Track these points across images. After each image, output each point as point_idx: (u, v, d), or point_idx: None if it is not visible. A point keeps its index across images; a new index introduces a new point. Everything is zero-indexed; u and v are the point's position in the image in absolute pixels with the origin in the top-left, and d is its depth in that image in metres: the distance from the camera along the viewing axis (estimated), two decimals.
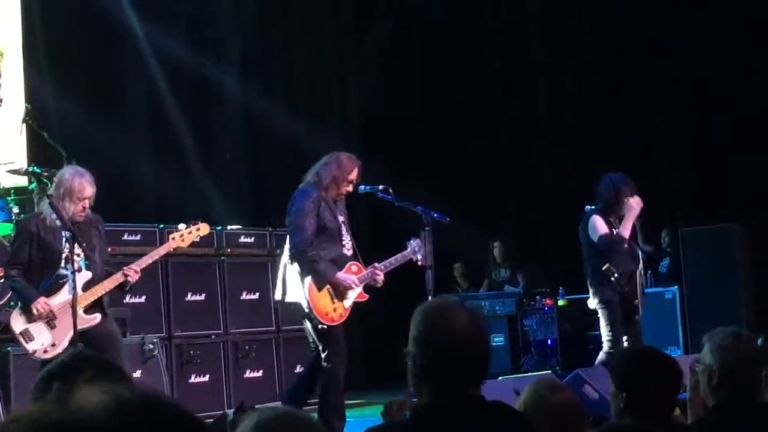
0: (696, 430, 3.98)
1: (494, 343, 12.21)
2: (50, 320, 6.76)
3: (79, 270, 6.80)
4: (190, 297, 9.94)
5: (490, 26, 15.10)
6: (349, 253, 7.59)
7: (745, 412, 3.88)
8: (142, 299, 9.50)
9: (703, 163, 12.97)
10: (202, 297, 10.03)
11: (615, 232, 8.93)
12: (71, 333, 6.63)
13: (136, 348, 8.68)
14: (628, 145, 13.90)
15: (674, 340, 12.04)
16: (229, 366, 10.02)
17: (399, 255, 7.72)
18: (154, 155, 12.60)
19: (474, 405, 2.99)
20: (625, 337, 8.78)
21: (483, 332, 3.05)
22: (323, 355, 7.40)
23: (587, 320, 12.39)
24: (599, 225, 8.87)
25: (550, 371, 10.17)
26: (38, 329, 6.79)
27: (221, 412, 8.85)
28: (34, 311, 6.75)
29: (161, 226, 9.87)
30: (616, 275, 8.81)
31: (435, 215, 7.79)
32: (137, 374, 8.49)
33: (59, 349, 6.67)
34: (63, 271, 6.76)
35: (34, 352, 6.80)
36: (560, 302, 13.13)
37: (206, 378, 9.83)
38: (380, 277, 7.60)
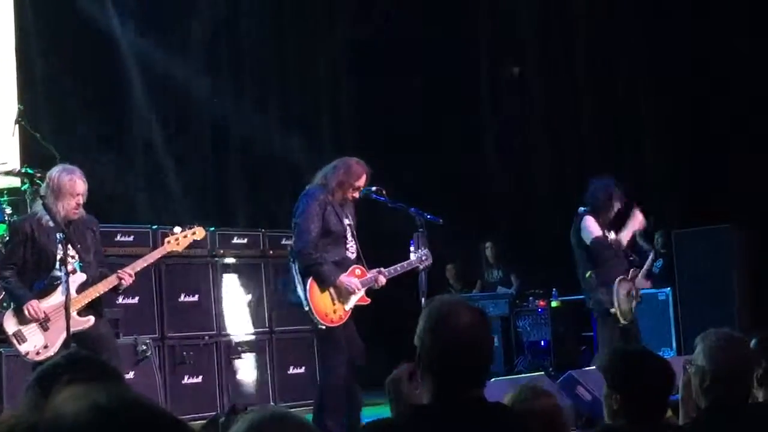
0: None
1: None
2: (43, 322, 6.75)
3: (74, 272, 6.79)
4: (183, 298, 9.93)
5: (483, 28, 15.11)
6: (353, 256, 7.60)
7: (737, 413, 3.88)
8: (135, 300, 9.49)
9: (696, 165, 12.98)
10: (195, 298, 10.02)
11: (608, 236, 8.96)
12: (64, 335, 6.61)
13: (129, 349, 8.68)
14: (620, 146, 13.92)
15: (667, 341, 12.05)
16: (222, 367, 10.01)
17: (405, 262, 7.72)
18: (149, 155, 12.59)
19: (476, 406, 2.99)
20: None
21: (488, 331, 3.07)
22: (324, 356, 7.44)
23: (580, 321, 12.43)
24: (592, 226, 8.88)
25: (543, 372, 10.17)
26: (31, 331, 6.77)
27: (214, 413, 8.86)
28: (26, 313, 6.73)
29: (154, 227, 9.86)
30: (597, 283, 8.86)
31: (428, 216, 7.80)
32: (130, 375, 8.48)
33: (52, 351, 6.65)
34: (57, 273, 6.74)
35: (27, 353, 6.78)
36: (553, 303, 13.13)
37: (199, 379, 9.82)
38: (382, 281, 7.60)
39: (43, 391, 2.56)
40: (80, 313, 6.84)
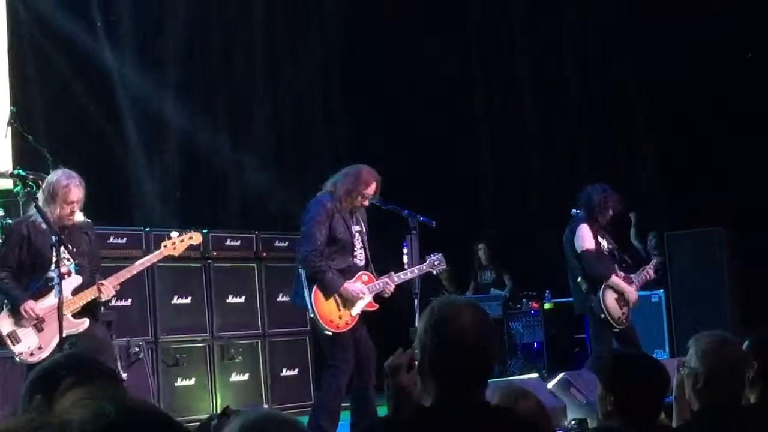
0: None
1: None
2: (38, 323, 6.73)
3: (69, 274, 6.78)
4: (176, 300, 9.91)
5: (475, 31, 15.12)
6: (361, 263, 7.62)
7: (730, 415, 3.88)
8: (128, 302, 9.47)
9: (689, 167, 12.99)
10: (189, 300, 10.00)
11: (600, 244, 8.99)
12: (58, 336, 6.62)
13: (122, 351, 8.65)
14: (614, 148, 13.92)
15: (660, 343, 12.06)
16: (215, 369, 10.00)
17: (415, 268, 7.72)
18: (143, 157, 12.57)
19: (478, 409, 2.97)
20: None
21: (491, 332, 3.05)
22: (328, 360, 7.45)
23: (573, 323, 12.44)
24: (586, 236, 8.91)
25: (536, 374, 10.17)
26: (25, 332, 6.76)
27: (207, 415, 8.84)
28: (22, 313, 6.72)
29: (147, 229, 9.84)
30: (587, 290, 8.90)
31: (421, 218, 7.81)
32: (123, 377, 8.46)
33: (46, 353, 6.64)
34: (52, 274, 6.73)
35: (20, 354, 6.77)
36: (546, 305, 13.14)
37: (192, 381, 9.81)
38: (391, 288, 7.61)
39: (44, 390, 2.55)
40: (75, 315, 6.83)
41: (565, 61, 14.58)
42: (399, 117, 14.03)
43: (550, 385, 7.61)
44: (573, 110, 14.47)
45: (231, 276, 10.39)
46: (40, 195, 6.84)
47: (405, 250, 7.89)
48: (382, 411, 6.86)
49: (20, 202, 7.56)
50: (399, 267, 7.94)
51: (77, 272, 6.87)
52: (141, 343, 8.92)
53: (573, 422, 7.06)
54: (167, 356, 9.67)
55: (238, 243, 10.58)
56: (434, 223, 7.91)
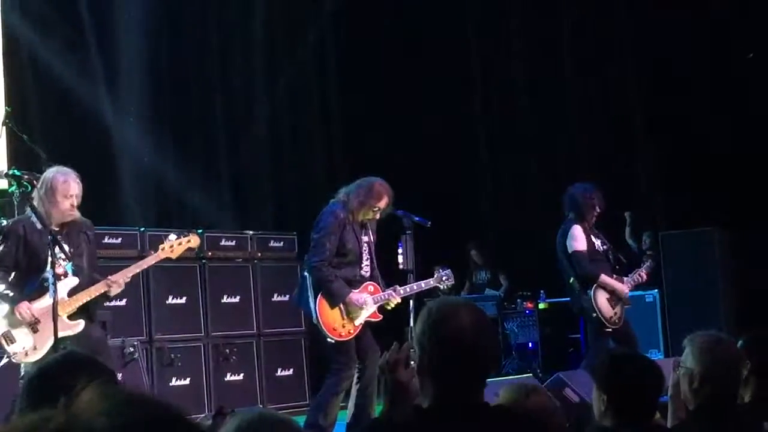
0: None
1: None
2: (33, 324, 6.72)
3: (66, 275, 6.77)
4: (170, 300, 9.91)
5: (471, 30, 15.12)
6: (368, 274, 7.67)
7: (725, 414, 3.89)
8: (123, 302, 9.46)
9: (684, 167, 13.00)
10: (183, 300, 10.00)
11: (594, 243, 9.02)
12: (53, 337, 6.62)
13: (117, 351, 8.64)
14: (609, 147, 13.92)
15: (655, 343, 12.07)
16: (209, 369, 10.00)
17: (422, 282, 7.78)
18: (137, 157, 12.56)
19: (477, 410, 2.97)
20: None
21: (489, 333, 3.05)
22: (330, 365, 7.52)
23: (568, 323, 12.44)
24: (579, 237, 8.95)
25: (530, 374, 10.18)
26: (20, 332, 6.74)
27: (202, 415, 8.85)
28: (17, 315, 6.71)
29: (142, 229, 9.85)
30: (580, 290, 8.93)
31: (416, 218, 7.82)
32: (118, 377, 8.45)
33: (40, 353, 6.63)
34: (47, 275, 6.71)
35: (15, 354, 6.75)
36: (541, 305, 13.14)
37: (187, 381, 9.81)
38: (395, 300, 7.65)
39: (43, 389, 2.56)
40: (70, 316, 6.81)
41: (564, 61, 14.58)
42: (397, 117, 14.02)
43: (544, 385, 7.62)
44: (570, 110, 14.47)
45: (226, 276, 10.40)
46: (35, 194, 6.83)
47: (400, 250, 7.91)
48: (379, 410, 6.88)
49: (15, 203, 7.54)
50: (394, 267, 7.96)
51: (74, 273, 6.85)
52: (136, 343, 8.91)
53: None
54: (162, 356, 9.67)
55: (233, 243, 10.58)
56: (429, 223, 7.92)
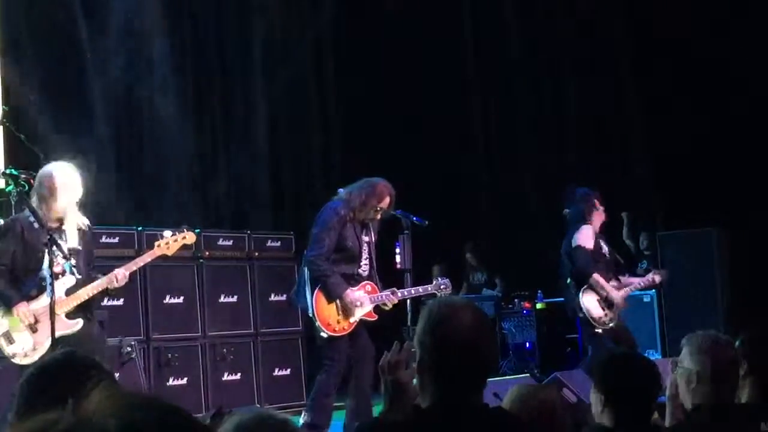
0: None
1: None
2: (32, 324, 6.70)
3: (63, 273, 6.75)
4: (168, 300, 9.91)
5: (468, 29, 15.12)
6: (365, 273, 7.69)
7: (723, 414, 3.89)
8: (120, 302, 9.45)
9: (681, 167, 13.01)
10: (181, 300, 10.00)
11: (602, 247, 9.10)
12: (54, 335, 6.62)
13: (114, 351, 8.63)
14: (606, 147, 13.94)
15: (652, 343, 12.07)
16: (207, 369, 9.99)
17: (421, 287, 7.80)
18: (131, 156, 12.55)
19: (476, 410, 2.97)
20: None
21: (489, 333, 3.05)
22: (323, 360, 7.54)
23: (566, 324, 12.45)
24: (587, 236, 9.03)
25: (528, 374, 10.18)
26: (19, 332, 6.73)
27: (200, 414, 8.84)
28: (16, 316, 6.69)
29: (139, 228, 9.83)
30: (575, 290, 8.99)
31: (414, 218, 7.83)
32: (115, 377, 8.44)
33: (40, 353, 6.61)
34: (45, 274, 6.70)
35: (14, 355, 6.73)
36: (538, 305, 13.15)
37: (184, 381, 9.80)
38: (393, 301, 7.66)
39: (41, 389, 2.55)
40: (69, 315, 6.80)
41: (563, 61, 14.59)
42: (397, 118, 14.03)
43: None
44: (569, 111, 14.48)
45: (223, 275, 10.39)
46: (33, 192, 6.81)
47: (397, 250, 7.92)
48: (378, 410, 6.88)
49: (12, 202, 7.53)
50: (391, 266, 7.97)
51: (72, 272, 6.83)
52: (133, 342, 8.90)
53: None
54: (159, 356, 9.66)
55: (230, 242, 10.58)
56: (427, 223, 7.93)
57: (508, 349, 13.11)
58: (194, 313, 10.06)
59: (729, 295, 12.27)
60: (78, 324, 6.82)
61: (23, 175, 7.04)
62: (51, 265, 6.51)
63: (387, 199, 7.56)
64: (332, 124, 14.40)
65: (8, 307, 6.71)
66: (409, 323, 7.70)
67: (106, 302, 8.97)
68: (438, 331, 2.97)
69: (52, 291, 6.50)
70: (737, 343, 4.23)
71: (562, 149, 14.40)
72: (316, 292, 7.46)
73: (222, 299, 10.31)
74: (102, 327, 8.32)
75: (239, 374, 10.24)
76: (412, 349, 3.06)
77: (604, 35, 14.30)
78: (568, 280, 9.07)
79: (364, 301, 7.55)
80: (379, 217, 7.63)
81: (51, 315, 6.42)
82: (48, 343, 6.59)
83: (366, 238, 7.66)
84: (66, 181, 6.80)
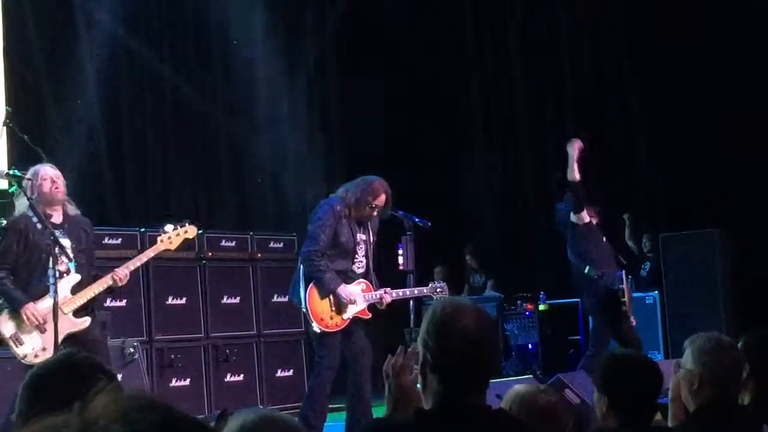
0: None
1: None
2: (40, 324, 6.69)
3: (68, 272, 6.76)
4: (171, 300, 9.91)
5: (469, 28, 15.12)
6: (360, 271, 7.69)
7: (725, 416, 3.89)
8: (123, 303, 9.47)
9: (683, 168, 13.00)
10: (183, 301, 10.00)
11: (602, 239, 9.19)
12: (63, 335, 6.64)
13: (117, 351, 8.64)
14: (608, 148, 13.93)
15: (655, 344, 12.07)
16: (209, 370, 10.00)
17: (416, 289, 7.81)
18: (134, 160, 12.56)
19: (479, 412, 2.97)
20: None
21: (493, 334, 3.04)
22: (316, 357, 7.55)
23: (568, 325, 12.45)
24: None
25: (531, 376, 10.18)
26: (28, 333, 6.71)
27: (202, 416, 8.84)
28: (23, 317, 6.69)
29: (142, 229, 9.84)
30: (598, 274, 8.99)
31: (417, 219, 7.83)
32: (118, 378, 8.43)
33: (50, 353, 6.60)
34: (50, 273, 6.70)
35: (25, 356, 6.72)
36: (541, 307, 13.14)
37: (187, 382, 9.81)
38: (387, 301, 7.67)
39: (43, 390, 2.55)
40: (76, 313, 6.81)
41: (563, 61, 14.58)
42: (397, 119, 14.04)
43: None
44: (569, 111, 14.47)
45: (226, 277, 10.40)
46: (29, 193, 6.84)
47: (400, 252, 7.92)
48: (378, 411, 6.88)
49: (15, 203, 7.53)
50: (394, 268, 7.97)
51: (77, 270, 6.84)
52: (136, 343, 8.91)
53: None
54: (162, 357, 9.67)
55: (233, 244, 10.59)
56: (430, 224, 7.93)
57: (510, 350, 13.11)
58: (197, 314, 10.07)
59: (731, 296, 12.26)
60: (86, 321, 6.84)
61: (26, 176, 7.05)
62: (55, 265, 6.53)
63: (382, 196, 7.58)
64: (334, 126, 14.40)
65: (17, 308, 6.71)
66: (411, 324, 7.71)
67: (109, 303, 8.99)
68: (441, 332, 2.96)
69: (55, 292, 6.51)
70: (740, 344, 4.23)
71: (564, 150, 14.37)
72: (310, 287, 7.48)
73: (225, 300, 10.32)
74: (105, 328, 8.34)
75: (242, 375, 10.25)
76: (416, 351, 3.06)
77: (604, 35, 14.28)
78: (586, 270, 9.06)
79: (357, 297, 7.56)
80: (375, 214, 7.63)
81: (54, 315, 6.43)
82: (59, 340, 6.61)
83: (362, 237, 7.67)
84: (42, 170, 6.85)
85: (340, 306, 7.50)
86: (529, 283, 13.44)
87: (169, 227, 7.26)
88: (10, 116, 9.32)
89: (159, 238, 7.25)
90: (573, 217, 9.20)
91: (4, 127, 9.29)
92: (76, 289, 6.82)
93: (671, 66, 13.26)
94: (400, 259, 7.88)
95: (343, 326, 7.54)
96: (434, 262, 13.40)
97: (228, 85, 13.48)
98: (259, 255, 10.70)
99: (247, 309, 10.48)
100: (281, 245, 10.94)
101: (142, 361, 9.00)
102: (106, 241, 9.36)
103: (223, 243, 10.52)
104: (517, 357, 13.02)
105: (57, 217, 6.94)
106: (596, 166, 13.18)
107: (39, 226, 6.71)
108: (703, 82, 12.83)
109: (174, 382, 9.71)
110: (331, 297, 7.49)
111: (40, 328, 6.69)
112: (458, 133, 14.83)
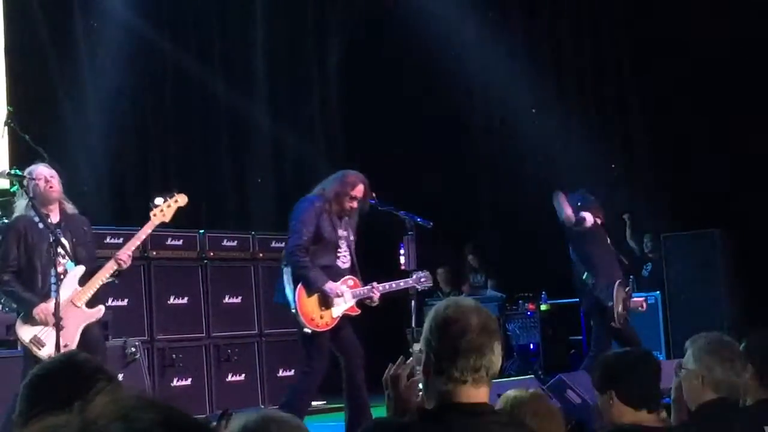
0: None
1: None
2: (56, 323, 6.67)
3: (65, 273, 6.76)
4: (172, 300, 9.92)
5: (470, 29, 15.11)
6: (345, 266, 7.67)
7: (727, 416, 3.89)
8: (125, 302, 9.47)
9: (684, 168, 13.00)
10: (185, 300, 10.01)
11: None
12: (81, 329, 6.69)
13: (118, 351, 8.64)
14: (610, 149, 13.92)
15: (656, 345, 12.07)
16: (211, 369, 10.00)
17: (402, 281, 7.79)
18: (137, 158, 12.57)
19: (481, 412, 2.97)
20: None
21: (496, 334, 3.04)
22: (305, 359, 7.50)
23: (570, 325, 12.45)
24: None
25: (532, 376, 10.17)
26: (46, 333, 6.69)
27: (204, 416, 8.85)
28: (37, 319, 6.67)
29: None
30: (595, 282, 8.98)
31: (418, 219, 7.83)
32: (119, 378, 8.44)
33: (73, 348, 6.57)
34: (52, 272, 6.70)
35: (49, 357, 6.70)
36: (543, 307, 13.13)
37: (188, 381, 9.81)
38: (376, 296, 7.65)
39: (44, 390, 2.55)
40: (88, 304, 6.82)
41: (563, 61, 14.58)
42: (398, 119, 14.03)
43: (546, 387, 7.62)
44: (569, 111, 14.47)
45: (227, 276, 10.40)
46: (30, 194, 6.85)
47: (402, 251, 7.92)
48: (377, 410, 6.87)
49: (16, 202, 7.54)
50: (396, 267, 7.97)
51: (77, 263, 6.84)
52: (137, 343, 8.91)
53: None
54: (163, 356, 9.67)
55: (235, 243, 10.59)
56: (431, 224, 7.92)
57: (512, 350, 13.10)
58: (198, 314, 10.07)
59: (733, 296, 12.26)
60: (100, 311, 6.85)
61: (27, 176, 7.06)
62: (55, 265, 6.53)
63: (360, 187, 7.58)
64: (336, 125, 14.40)
65: (29, 310, 6.70)
66: (413, 324, 7.70)
67: (110, 303, 8.99)
68: (444, 331, 2.97)
69: (57, 291, 6.52)
70: (742, 345, 4.23)
71: (565, 150, 14.38)
72: (299, 287, 7.44)
73: (226, 300, 10.32)
74: (106, 327, 8.33)
75: (243, 375, 10.25)
76: (419, 352, 3.06)
77: (604, 35, 14.28)
78: (585, 276, 9.06)
79: (345, 294, 7.54)
80: (355, 206, 7.62)
81: (56, 317, 6.43)
82: (78, 334, 6.62)
83: (344, 233, 7.66)
84: (37, 170, 6.87)
85: (327, 303, 7.47)
86: (531, 282, 13.43)
87: (159, 200, 7.20)
88: (11, 116, 9.33)
89: (152, 213, 7.16)
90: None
91: (6, 127, 9.30)
92: (83, 281, 6.82)
93: (671, 66, 13.25)
94: (402, 259, 7.87)
95: (333, 325, 7.51)
96: (436, 261, 13.40)
97: (228, 84, 13.48)
98: (261, 255, 10.70)
99: (248, 309, 10.48)
100: (283, 245, 10.91)
101: (144, 360, 8.99)
102: (108, 240, 9.35)
103: (225, 243, 10.52)
104: (518, 357, 13.01)
105: (54, 216, 6.94)
106: (597, 166, 13.23)
107: (41, 225, 6.71)
108: (703, 82, 12.83)
109: (175, 382, 9.71)
110: (319, 295, 7.46)
111: (57, 326, 6.68)
112: (462, 134, 14.82)
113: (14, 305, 7.06)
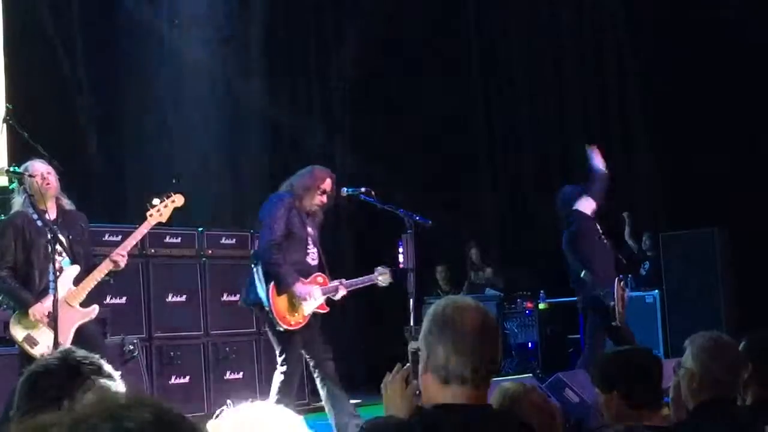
0: None
1: None
2: (50, 321, 6.67)
3: (61, 270, 6.75)
4: (170, 298, 9.91)
5: (473, 30, 15.13)
6: (314, 263, 7.69)
7: (724, 415, 3.89)
8: (123, 300, 9.46)
9: (683, 167, 13.00)
10: (183, 298, 10.00)
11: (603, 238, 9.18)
12: (74, 327, 6.70)
13: (116, 349, 8.64)
14: (609, 148, 13.93)
15: (655, 344, 12.06)
16: (209, 367, 10.00)
17: (366, 277, 7.83)
18: (136, 157, 12.56)
19: (480, 411, 2.96)
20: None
21: (495, 332, 3.04)
22: (279, 358, 7.51)
23: (568, 324, 12.44)
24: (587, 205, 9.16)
25: (530, 374, 10.17)
26: (40, 332, 6.69)
27: (202, 413, 8.84)
28: (32, 317, 6.67)
29: None
30: (592, 281, 8.96)
31: (417, 218, 7.81)
32: (117, 375, 8.42)
33: (67, 346, 6.57)
34: (50, 269, 6.70)
35: (42, 356, 6.69)
36: (541, 305, 13.14)
37: (186, 379, 9.80)
38: (342, 292, 7.67)
39: (40, 388, 2.55)
40: (82, 304, 6.81)
41: (563, 61, 14.58)
42: (398, 118, 14.04)
43: (544, 386, 7.62)
44: (569, 110, 14.48)
45: (226, 274, 10.39)
46: (27, 190, 6.84)
47: (400, 250, 7.90)
48: (377, 410, 6.86)
49: (14, 199, 7.53)
50: (394, 266, 7.96)
51: (73, 262, 6.84)
52: (135, 341, 8.91)
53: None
54: (162, 354, 9.66)
55: (233, 241, 10.58)
56: (430, 222, 7.91)
57: (510, 349, 13.10)
58: (197, 312, 10.07)
59: (731, 295, 12.26)
60: (94, 310, 6.85)
61: (26, 173, 7.05)
62: (53, 262, 6.53)
63: (328, 180, 7.62)
64: (336, 125, 14.40)
65: (26, 308, 6.69)
66: (411, 323, 7.68)
67: (108, 300, 8.99)
68: (443, 330, 2.96)
69: (55, 289, 6.51)
70: (742, 344, 4.23)
71: (564, 149, 14.39)
72: (271, 285, 7.45)
73: (224, 298, 10.31)
74: (104, 325, 8.33)
75: (241, 373, 10.24)
76: (418, 350, 3.05)
77: (605, 34, 14.28)
78: (582, 273, 9.05)
79: (315, 291, 7.56)
80: (325, 200, 7.64)
81: (54, 316, 6.42)
82: (72, 333, 6.64)
83: (311, 230, 7.68)
84: (32, 167, 6.86)
85: (299, 302, 7.49)
86: (529, 281, 13.43)
87: (156, 200, 7.22)
88: (10, 113, 9.32)
89: (148, 213, 7.17)
90: (579, 204, 9.16)
91: (5, 124, 9.30)
92: (77, 281, 6.82)
93: (671, 66, 13.25)
94: (401, 257, 7.85)
95: (305, 323, 7.53)
96: (435, 260, 13.42)
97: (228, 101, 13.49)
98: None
99: (246, 307, 10.46)
100: None
101: (142, 358, 8.99)
102: (106, 238, 9.35)
103: (223, 240, 10.51)
104: (516, 356, 13.02)
105: (52, 213, 6.94)
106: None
107: (39, 222, 6.71)
108: (703, 81, 12.83)
109: (173, 380, 9.70)
110: (289, 294, 7.47)
111: (51, 324, 6.68)
112: (462, 133, 14.82)
113: (10, 302, 7.04)
